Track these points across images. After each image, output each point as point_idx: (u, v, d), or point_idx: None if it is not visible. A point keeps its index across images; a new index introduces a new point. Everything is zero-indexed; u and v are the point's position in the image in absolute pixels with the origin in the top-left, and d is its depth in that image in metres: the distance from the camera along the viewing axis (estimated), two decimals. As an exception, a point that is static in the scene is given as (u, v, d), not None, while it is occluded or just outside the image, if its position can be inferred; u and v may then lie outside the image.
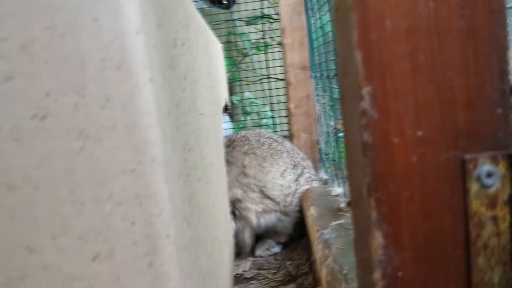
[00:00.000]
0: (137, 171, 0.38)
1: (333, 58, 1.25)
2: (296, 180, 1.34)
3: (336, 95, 1.30)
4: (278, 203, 1.29)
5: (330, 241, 0.87)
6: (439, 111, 0.34)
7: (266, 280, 1.11)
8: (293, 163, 1.37)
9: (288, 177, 1.33)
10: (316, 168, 1.55)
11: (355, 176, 0.38)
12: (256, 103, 2.32)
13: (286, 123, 1.99)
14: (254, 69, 2.29)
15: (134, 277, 0.38)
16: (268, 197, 1.28)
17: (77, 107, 0.37)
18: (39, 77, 0.36)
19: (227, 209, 1.09)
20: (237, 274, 1.14)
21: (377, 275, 0.34)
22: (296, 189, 1.33)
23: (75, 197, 0.37)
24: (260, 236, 1.34)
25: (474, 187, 0.34)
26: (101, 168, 0.37)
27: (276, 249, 1.33)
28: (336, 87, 1.27)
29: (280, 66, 2.21)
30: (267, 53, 2.33)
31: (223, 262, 0.86)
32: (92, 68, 0.37)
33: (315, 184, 1.39)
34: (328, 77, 1.32)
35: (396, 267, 0.34)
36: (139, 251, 0.38)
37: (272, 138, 1.43)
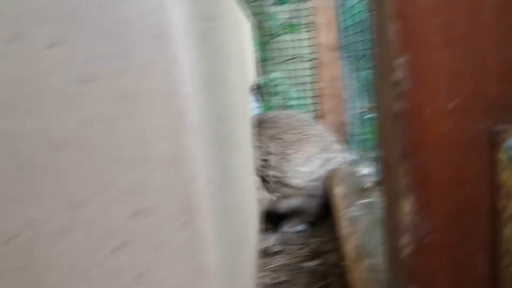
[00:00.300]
0: (174, 136, 0.40)
1: (362, 39, 1.25)
2: (323, 165, 1.33)
3: (364, 77, 1.29)
4: (300, 189, 1.29)
5: (355, 218, 0.88)
6: (472, 83, 0.35)
7: (290, 255, 1.13)
8: (322, 148, 1.36)
9: (313, 163, 1.32)
10: (343, 149, 1.55)
11: (386, 146, 0.39)
12: (283, 84, 2.32)
13: (312, 103, 1.99)
14: (280, 49, 2.29)
15: (170, 235, 0.40)
16: (288, 186, 1.29)
17: (120, 73, 0.39)
18: (83, 44, 0.38)
19: (253, 185, 1.11)
20: (262, 248, 1.16)
21: (405, 240, 0.36)
22: (322, 174, 1.32)
23: (117, 158, 0.38)
24: (284, 216, 1.35)
25: (503, 158, 0.35)
26: (141, 132, 0.39)
27: (302, 227, 1.34)
28: (365, 68, 1.27)
29: (307, 46, 2.20)
30: (294, 33, 2.31)
31: (250, 234, 0.88)
32: (134, 36, 0.38)
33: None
34: (356, 58, 1.32)
35: (424, 232, 0.35)
36: (175, 211, 0.40)
37: (301, 121, 1.41)
